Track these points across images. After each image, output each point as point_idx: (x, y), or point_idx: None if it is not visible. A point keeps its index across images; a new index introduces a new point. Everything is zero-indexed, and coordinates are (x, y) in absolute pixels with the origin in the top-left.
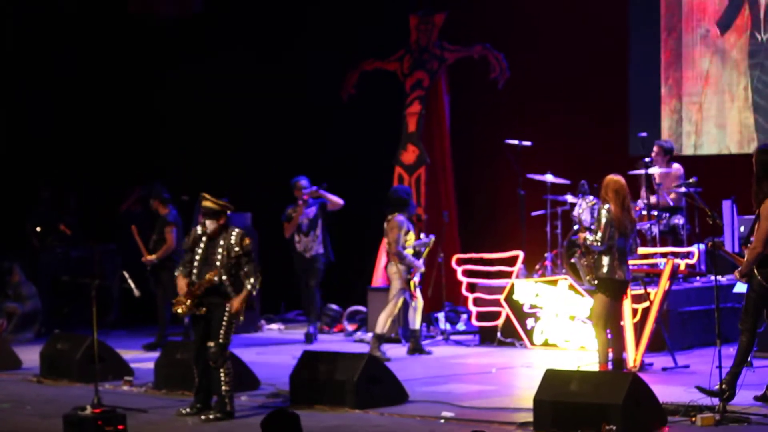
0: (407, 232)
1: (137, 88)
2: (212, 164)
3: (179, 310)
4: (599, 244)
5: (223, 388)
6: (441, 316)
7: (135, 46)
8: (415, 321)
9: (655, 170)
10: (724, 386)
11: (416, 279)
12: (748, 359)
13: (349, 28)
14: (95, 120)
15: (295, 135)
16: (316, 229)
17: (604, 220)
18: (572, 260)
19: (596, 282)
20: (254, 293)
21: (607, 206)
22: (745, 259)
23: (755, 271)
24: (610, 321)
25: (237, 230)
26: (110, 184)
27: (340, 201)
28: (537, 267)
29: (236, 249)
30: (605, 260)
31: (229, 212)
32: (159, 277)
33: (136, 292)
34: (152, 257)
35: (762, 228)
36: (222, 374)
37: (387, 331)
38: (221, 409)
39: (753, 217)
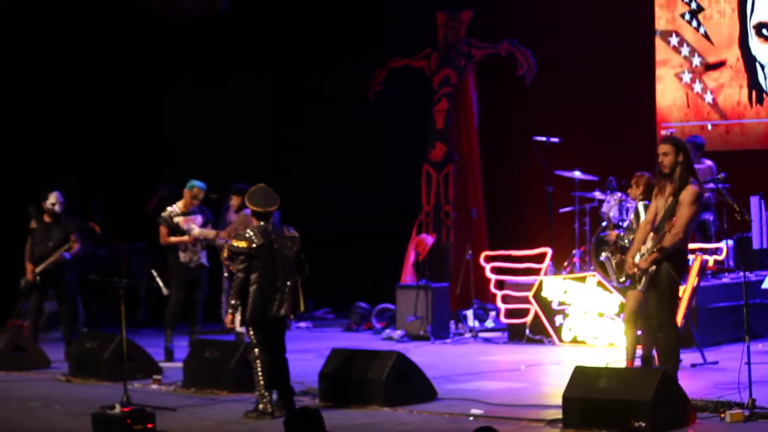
0: None
1: (160, 86)
2: (234, 164)
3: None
4: None
5: (255, 387)
6: (469, 313)
7: (160, 43)
8: None
9: None
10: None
11: None
12: None
13: (376, 26)
14: (120, 117)
15: (320, 133)
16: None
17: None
18: (601, 258)
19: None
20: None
21: (645, 202)
22: None
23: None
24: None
25: None
26: (136, 183)
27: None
28: (565, 264)
29: None
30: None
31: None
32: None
33: (165, 291)
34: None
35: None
36: (253, 373)
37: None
38: (255, 408)
39: None
